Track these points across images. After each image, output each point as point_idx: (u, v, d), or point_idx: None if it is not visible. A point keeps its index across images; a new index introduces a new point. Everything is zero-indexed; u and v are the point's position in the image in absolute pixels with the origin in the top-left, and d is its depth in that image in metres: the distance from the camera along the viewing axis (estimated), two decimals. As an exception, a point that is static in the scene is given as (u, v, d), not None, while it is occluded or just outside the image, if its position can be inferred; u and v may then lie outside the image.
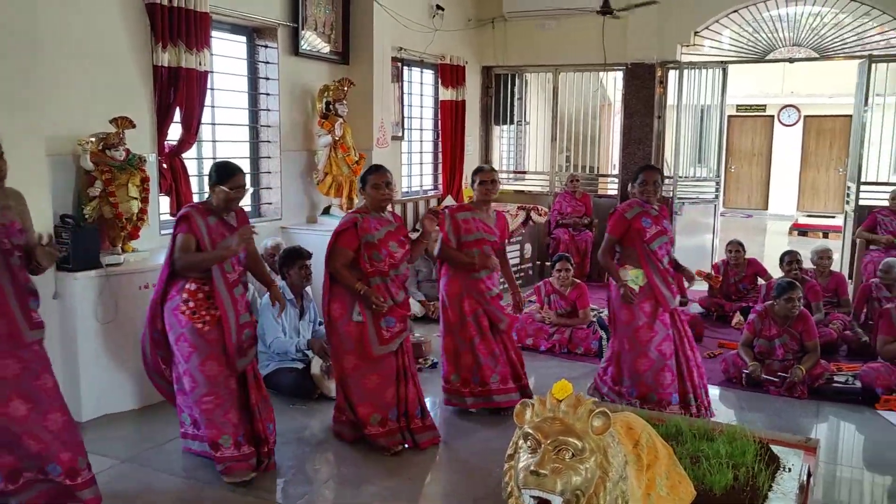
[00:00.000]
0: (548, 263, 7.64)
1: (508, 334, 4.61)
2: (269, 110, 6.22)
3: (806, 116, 15.97)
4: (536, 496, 1.69)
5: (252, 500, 3.45)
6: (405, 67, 8.07)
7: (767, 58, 8.35)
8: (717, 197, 8.88)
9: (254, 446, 3.63)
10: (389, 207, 4.15)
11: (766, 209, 16.55)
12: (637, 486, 2.03)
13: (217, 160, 4.59)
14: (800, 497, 2.83)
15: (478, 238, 4.44)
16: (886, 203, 7.28)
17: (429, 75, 8.66)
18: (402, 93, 8.00)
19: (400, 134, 7.93)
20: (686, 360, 4.38)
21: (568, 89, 9.52)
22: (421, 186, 8.74)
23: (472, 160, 9.41)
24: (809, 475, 3.05)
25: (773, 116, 16.32)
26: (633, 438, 2.20)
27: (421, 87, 8.57)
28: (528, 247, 8.29)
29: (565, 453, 1.73)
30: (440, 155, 8.79)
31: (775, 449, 3.34)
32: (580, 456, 1.74)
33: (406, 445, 3.98)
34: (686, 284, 4.72)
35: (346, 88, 6.45)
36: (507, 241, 4.74)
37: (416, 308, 6.34)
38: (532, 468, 1.69)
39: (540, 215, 8.20)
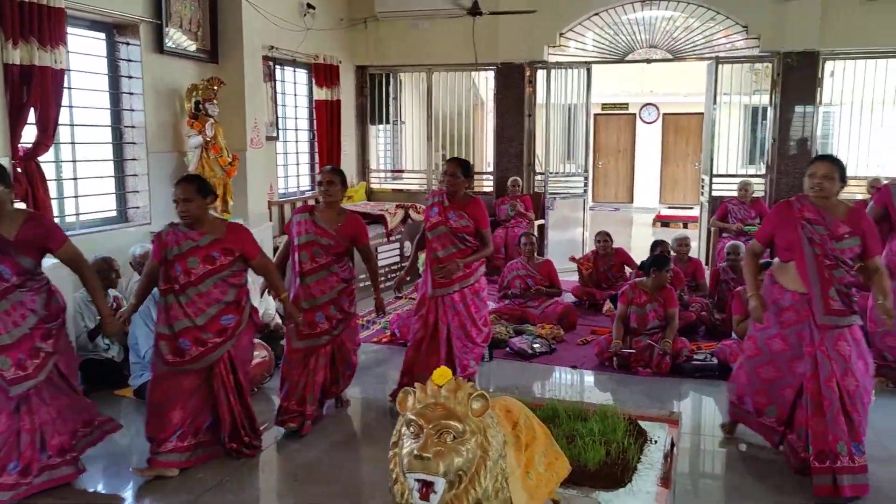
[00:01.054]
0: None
1: (339, 345, 4.41)
2: (132, 110, 5.95)
3: (664, 114, 17.00)
4: (421, 479, 1.75)
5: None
6: (278, 67, 7.94)
7: (627, 58, 8.85)
8: (585, 191, 9.32)
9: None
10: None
11: (632, 202, 17.48)
12: (517, 465, 2.13)
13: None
14: (664, 466, 3.06)
15: (308, 240, 4.26)
16: (735, 193, 7.92)
17: (302, 75, 8.57)
18: (276, 92, 7.87)
19: (275, 134, 7.80)
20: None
21: (442, 89, 9.69)
22: (298, 187, 8.62)
23: (349, 160, 9.41)
24: (673, 445, 3.29)
25: (634, 115, 17.27)
26: (512, 420, 2.30)
27: (295, 87, 8.45)
28: (407, 245, 8.37)
29: (447, 436, 1.80)
30: (317, 155, 8.71)
31: (643, 424, 3.59)
32: (461, 438, 1.81)
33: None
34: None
35: (215, 88, 6.28)
36: (365, 243, 4.44)
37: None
38: (416, 452, 1.75)
39: (419, 213, 8.30)
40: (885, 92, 8.04)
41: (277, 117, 7.89)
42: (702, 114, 8.78)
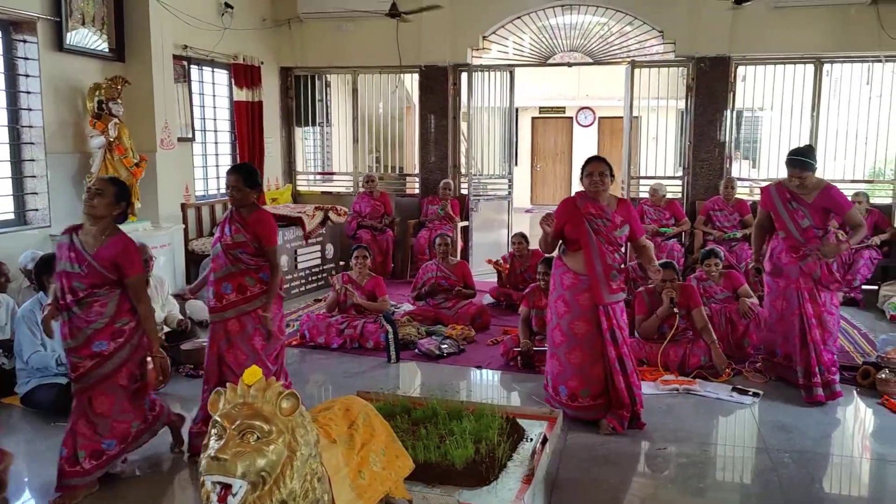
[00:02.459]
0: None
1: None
2: (30, 109, 5.79)
3: (600, 118, 17.26)
4: (218, 481, 1.73)
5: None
6: (194, 66, 7.81)
7: (549, 62, 8.95)
8: (509, 193, 9.38)
9: None
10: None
11: (570, 205, 17.67)
12: (344, 464, 2.12)
13: None
14: (531, 462, 3.09)
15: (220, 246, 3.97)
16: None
17: (222, 75, 8.44)
18: (192, 93, 7.74)
19: (190, 135, 7.67)
20: None
21: (369, 91, 9.67)
22: (219, 190, 8.49)
23: (273, 162, 9.32)
24: (544, 441, 3.32)
25: (571, 118, 17.49)
26: (350, 420, 2.30)
27: (214, 88, 8.32)
28: (329, 247, 8.31)
29: (250, 436, 1.78)
30: (238, 157, 8.60)
31: (522, 422, 3.63)
32: (267, 438, 1.79)
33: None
34: None
35: (119, 87, 6.16)
36: (268, 246, 3.91)
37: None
38: (212, 454, 1.73)
39: (339, 215, 8.26)
40: (794, 97, 8.28)
41: (193, 118, 7.76)
42: (637, 117, 8.90)
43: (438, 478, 3.01)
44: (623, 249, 4.33)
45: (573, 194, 4.36)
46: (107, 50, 6.42)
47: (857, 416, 4.63)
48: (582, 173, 4.27)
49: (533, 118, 17.76)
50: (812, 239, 4.70)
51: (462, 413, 3.47)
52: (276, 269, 3.95)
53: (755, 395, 4.74)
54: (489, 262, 7.58)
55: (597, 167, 4.19)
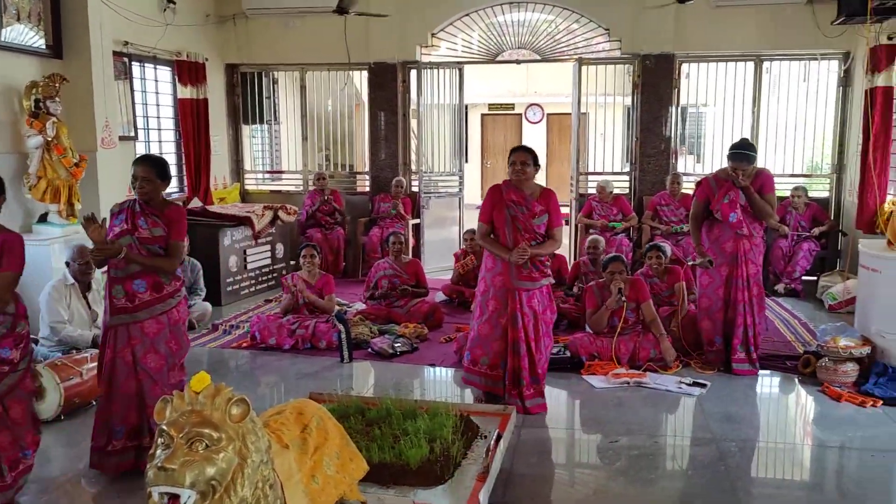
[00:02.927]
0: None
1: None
2: (-38, 109, 5.56)
3: (549, 115, 17.41)
4: (166, 492, 1.69)
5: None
6: (136, 63, 7.61)
7: (497, 59, 8.99)
8: (460, 190, 9.40)
9: None
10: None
11: (520, 201, 17.80)
12: (297, 469, 2.10)
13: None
14: (485, 459, 3.10)
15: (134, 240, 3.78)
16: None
17: (165, 72, 8.24)
18: (133, 90, 7.54)
19: (133, 134, 7.47)
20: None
21: (318, 88, 9.56)
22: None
23: (220, 160, 9.15)
24: (499, 438, 3.34)
25: (521, 115, 17.61)
26: (302, 423, 2.27)
27: (157, 85, 8.12)
28: (280, 247, 8.20)
29: (199, 445, 1.74)
30: (184, 156, 8.41)
31: (476, 420, 3.64)
32: (216, 446, 1.76)
33: None
34: None
35: (57, 85, 5.94)
36: (176, 239, 3.74)
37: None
38: (159, 464, 1.69)
39: (289, 214, 8.16)
40: (735, 93, 8.49)
41: (136, 116, 7.56)
42: (584, 114, 9.00)
43: (393, 478, 3.00)
44: (543, 239, 4.43)
45: (501, 182, 4.53)
46: (44, 47, 6.20)
47: (798, 404, 4.78)
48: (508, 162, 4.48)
49: (482, 115, 17.83)
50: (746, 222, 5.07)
51: (416, 412, 3.46)
52: (174, 261, 3.73)
53: (698, 384, 4.86)
54: (456, 256, 7.59)
55: (520, 157, 4.39)
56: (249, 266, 7.70)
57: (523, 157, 4.38)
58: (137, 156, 4.03)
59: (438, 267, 8.74)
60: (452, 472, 3.07)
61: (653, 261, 5.99)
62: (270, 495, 1.86)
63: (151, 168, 3.74)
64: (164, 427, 1.77)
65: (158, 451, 1.75)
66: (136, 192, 3.75)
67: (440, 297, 7.32)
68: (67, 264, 5.12)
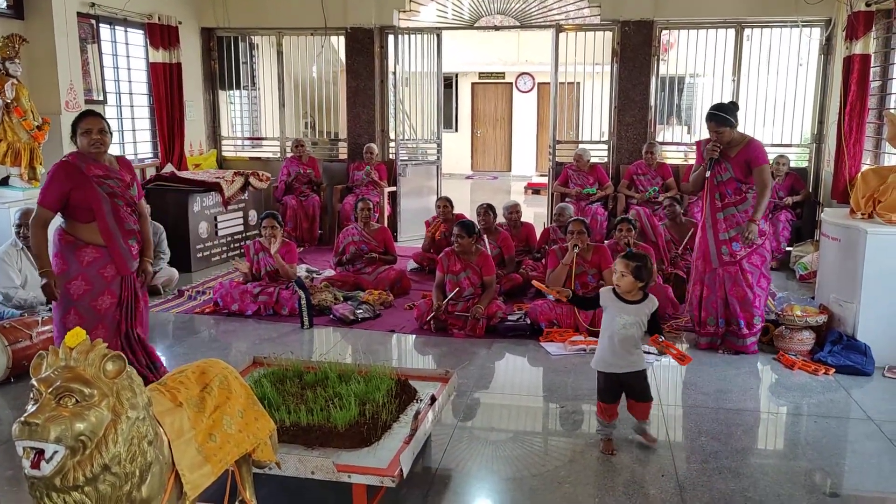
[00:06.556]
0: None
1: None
2: (-82, 69, 5.50)
3: (539, 83, 17.22)
4: (30, 446, 1.67)
5: None
6: (104, 25, 7.50)
7: (476, 25, 8.85)
8: (438, 158, 9.32)
9: None
10: None
11: (510, 171, 17.72)
12: (190, 427, 2.08)
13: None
14: (414, 422, 3.08)
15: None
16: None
17: (137, 35, 8.13)
18: (102, 53, 7.44)
19: (101, 98, 7.39)
20: None
21: (297, 54, 9.44)
22: (136, 154, 8.23)
23: (195, 126, 9.07)
24: (433, 401, 3.32)
25: (511, 84, 17.44)
26: (203, 382, 2.25)
27: (128, 48, 8.02)
28: (252, 213, 8.16)
29: (68, 400, 1.71)
30: (157, 121, 8.33)
31: (416, 384, 3.62)
32: (88, 402, 1.74)
33: None
34: None
35: (17, 46, 5.88)
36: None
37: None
38: (23, 419, 1.67)
39: (261, 180, 8.10)
40: (715, 61, 8.37)
41: (104, 80, 7.47)
42: (574, 83, 8.88)
43: (319, 440, 2.99)
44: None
45: (68, 157, 3.86)
46: (4, 6, 6.12)
47: (751, 371, 4.76)
48: (74, 132, 3.85)
49: (473, 84, 17.65)
50: (733, 193, 4.80)
51: (353, 376, 3.44)
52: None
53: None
54: (427, 223, 7.55)
55: (95, 123, 3.77)
56: (221, 233, 7.67)
57: (100, 125, 3.79)
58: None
59: (416, 235, 8.69)
60: (380, 435, 3.06)
61: (622, 233, 5.93)
62: (149, 451, 1.84)
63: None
64: (35, 382, 1.75)
65: (29, 406, 1.73)
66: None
67: (411, 265, 7.30)
68: (17, 229, 5.08)
